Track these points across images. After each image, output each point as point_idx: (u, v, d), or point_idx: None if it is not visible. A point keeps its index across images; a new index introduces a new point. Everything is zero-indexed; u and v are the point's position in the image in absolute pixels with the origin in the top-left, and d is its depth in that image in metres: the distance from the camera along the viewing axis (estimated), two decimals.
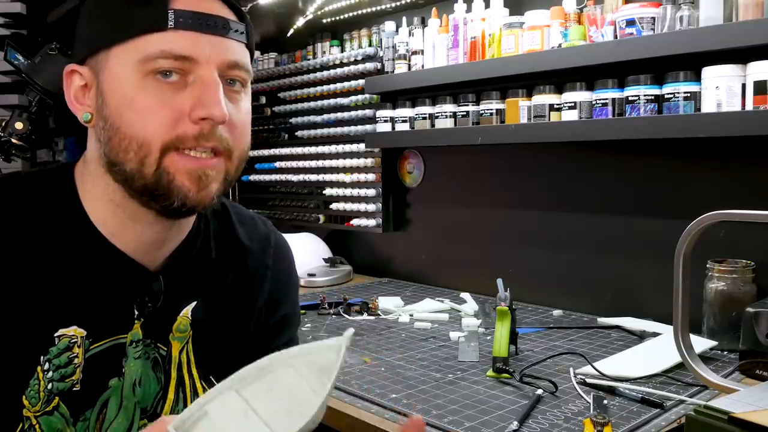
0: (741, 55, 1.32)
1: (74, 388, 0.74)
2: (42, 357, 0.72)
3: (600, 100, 1.54)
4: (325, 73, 2.37)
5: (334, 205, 2.42)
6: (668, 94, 1.43)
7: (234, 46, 0.74)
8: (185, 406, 0.84)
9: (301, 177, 2.54)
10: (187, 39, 0.70)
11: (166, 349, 0.82)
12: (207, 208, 0.76)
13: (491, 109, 1.79)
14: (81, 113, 0.75)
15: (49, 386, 0.73)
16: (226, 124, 0.73)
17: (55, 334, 0.73)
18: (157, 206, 0.74)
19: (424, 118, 1.99)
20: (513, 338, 1.32)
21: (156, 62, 0.70)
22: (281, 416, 0.57)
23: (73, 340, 0.74)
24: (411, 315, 1.73)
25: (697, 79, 1.39)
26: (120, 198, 0.75)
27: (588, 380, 1.20)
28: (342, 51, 2.36)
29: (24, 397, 0.72)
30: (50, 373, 0.73)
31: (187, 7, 0.71)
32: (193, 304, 0.84)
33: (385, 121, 2.11)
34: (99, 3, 0.74)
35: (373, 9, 2.21)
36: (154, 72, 0.70)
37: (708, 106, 1.36)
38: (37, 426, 0.72)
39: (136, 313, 0.79)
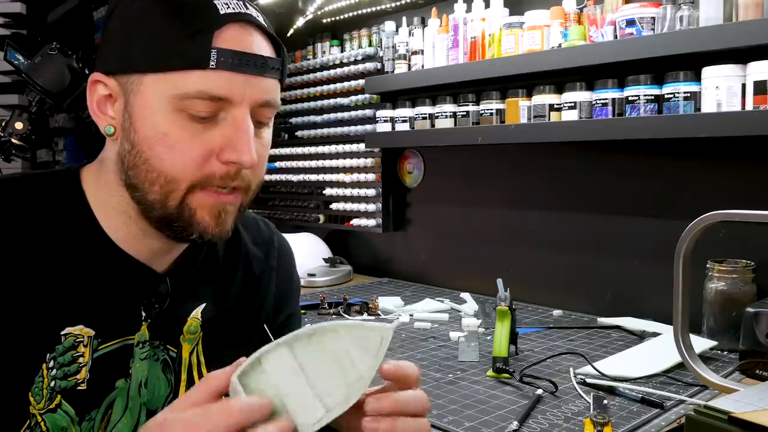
0: (741, 55, 1.32)
1: (79, 387, 0.75)
2: (48, 354, 0.73)
3: (600, 100, 1.54)
4: (325, 73, 2.37)
5: (334, 205, 2.42)
6: (668, 94, 1.43)
7: (269, 85, 0.73)
8: None
9: (301, 177, 2.54)
10: (225, 79, 0.69)
11: (176, 350, 0.83)
12: (223, 239, 0.77)
13: (491, 109, 1.79)
14: (104, 124, 0.74)
15: (52, 384, 0.73)
16: None
17: (62, 333, 0.73)
18: (171, 234, 0.75)
19: (424, 118, 1.99)
20: (513, 338, 1.32)
21: (192, 102, 0.69)
22: (324, 380, 0.61)
23: (79, 339, 0.74)
24: (411, 315, 1.73)
25: (697, 79, 1.39)
26: (134, 213, 0.76)
27: (588, 380, 1.20)
28: (342, 51, 2.36)
29: (30, 394, 0.72)
30: (54, 371, 0.73)
31: (230, 45, 0.69)
32: (203, 305, 0.85)
33: (385, 121, 2.11)
34: (139, 20, 0.71)
35: (373, 9, 2.21)
36: (186, 110, 0.69)
37: (708, 106, 1.36)
38: (42, 423, 0.73)
39: (143, 314, 0.79)
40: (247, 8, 0.73)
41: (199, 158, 0.70)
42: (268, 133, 0.77)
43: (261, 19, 0.74)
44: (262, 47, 0.73)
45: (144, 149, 0.71)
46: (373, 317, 1.73)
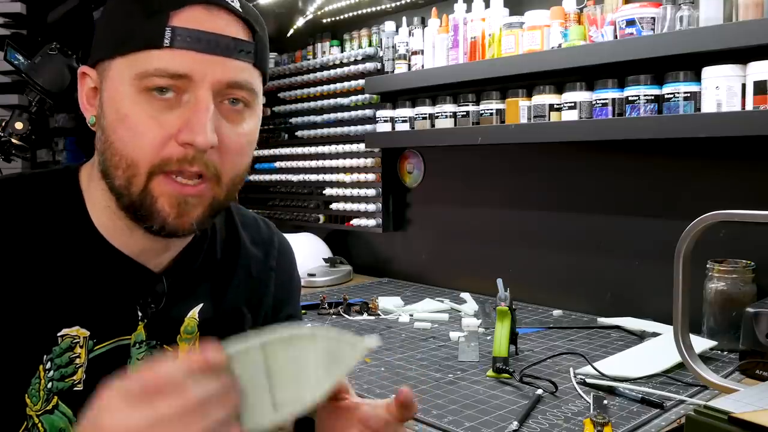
0: (741, 55, 1.32)
1: (75, 388, 0.75)
2: (45, 356, 0.73)
3: (600, 100, 1.54)
4: (325, 73, 2.37)
5: (334, 205, 2.42)
6: (668, 94, 1.43)
7: (236, 66, 0.72)
8: None
9: (301, 177, 2.54)
10: (183, 58, 0.68)
11: (173, 351, 0.82)
12: (189, 233, 0.75)
13: (491, 109, 1.79)
14: (89, 116, 0.75)
15: (49, 385, 0.73)
16: (217, 148, 0.71)
17: (59, 334, 0.73)
18: (142, 224, 0.73)
19: (424, 118, 1.99)
20: (513, 338, 1.32)
21: (151, 79, 0.68)
22: (285, 386, 0.59)
23: (75, 341, 0.74)
24: (411, 315, 1.73)
25: (697, 79, 1.39)
26: (114, 206, 0.75)
27: (588, 380, 1.20)
28: (342, 51, 2.36)
29: (26, 395, 0.72)
30: (51, 372, 0.73)
31: (188, 24, 0.69)
32: (200, 305, 0.84)
33: (385, 121, 2.11)
34: (109, 11, 0.74)
35: (373, 9, 2.21)
36: (149, 88, 0.69)
37: (708, 106, 1.36)
38: (39, 425, 0.73)
39: (140, 314, 0.79)
40: None
41: (157, 140, 0.69)
42: (247, 122, 0.75)
43: (236, 4, 0.73)
44: (230, 29, 0.71)
45: (110, 133, 0.71)
46: (373, 317, 1.73)
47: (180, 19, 0.69)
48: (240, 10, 0.73)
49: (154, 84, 0.69)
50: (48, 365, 0.73)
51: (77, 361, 0.74)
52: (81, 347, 0.75)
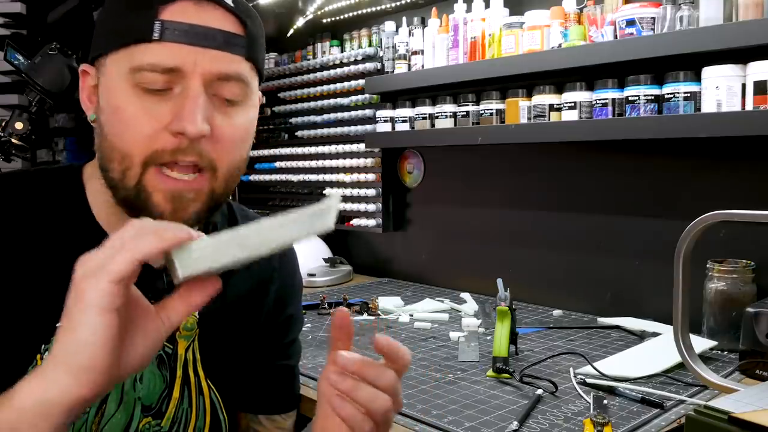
0: (741, 55, 1.32)
1: None
2: (43, 346, 0.73)
3: (600, 100, 1.54)
4: (325, 73, 2.37)
5: None
6: (668, 94, 1.43)
7: (226, 58, 0.72)
8: (190, 404, 0.84)
9: (301, 177, 2.54)
10: (173, 51, 0.69)
11: (171, 347, 0.83)
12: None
13: (491, 109, 1.79)
14: (89, 113, 0.77)
15: None
16: (210, 138, 0.72)
17: (57, 325, 0.73)
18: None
19: (424, 118, 1.99)
20: (513, 338, 1.32)
21: (143, 75, 0.69)
22: (249, 238, 0.61)
23: None
24: (411, 315, 1.73)
25: (697, 79, 1.39)
26: (112, 200, 0.76)
27: (588, 380, 1.20)
28: (342, 51, 2.36)
29: None
30: None
31: (177, 18, 0.70)
32: None
33: (385, 121, 2.11)
34: (106, 9, 0.75)
35: (373, 9, 2.21)
36: (142, 84, 0.70)
37: (708, 106, 1.36)
38: None
39: None
40: None
41: (150, 131, 0.70)
42: (240, 113, 0.76)
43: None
44: (221, 23, 0.72)
45: (105, 126, 0.73)
46: (373, 317, 1.73)
47: (169, 13, 0.70)
48: (231, 4, 0.73)
49: (146, 79, 0.70)
50: (45, 355, 0.73)
51: None
52: None
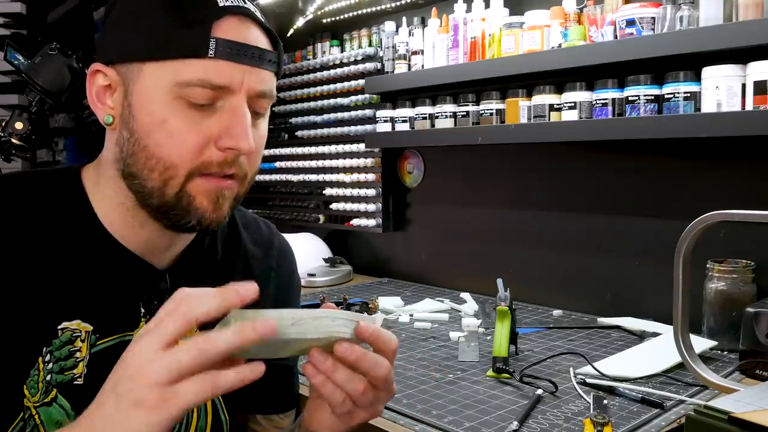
0: (741, 55, 1.32)
1: (75, 382, 0.75)
2: (45, 348, 0.73)
3: (600, 100, 1.54)
4: (325, 73, 2.37)
5: (334, 205, 2.42)
6: (668, 94, 1.43)
7: (266, 76, 0.75)
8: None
9: (301, 177, 2.54)
10: (225, 69, 0.71)
11: None
12: (219, 226, 0.78)
13: (491, 109, 1.79)
14: (102, 114, 0.76)
15: (48, 377, 0.73)
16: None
17: (59, 327, 0.74)
18: (168, 222, 0.76)
19: (424, 118, 1.99)
20: (513, 338, 1.32)
21: (192, 90, 0.70)
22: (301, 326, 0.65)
23: (75, 334, 0.75)
24: (411, 315, 1.73)
25: (697, 79, 1.39)
26: (131, 204, 0.76)
27: (588, 380, 1.20)
28: (342, 51, 2.36)
29: (25, 386, 0.72)
30: (50, 365, 0.74)
31: (229, 36, 0.71)
32: None
33: (385, 121, 2.11)
34: (137, 11, 0.73)
35: (373, 9, 2.21)
36: (188, 98, 0.71)
37: (708, 106, 1.36)
38: (36, 416, 0.73)
39: (143, 310, 0.80)
40: (245, 3, 0.75)
41: (197, 145, 0.72)
42: (264, 124, 0.79)
43: (258, 14, 0.76)
44: (260, 40, 0.75)
45: (143, 136, 0.72)
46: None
47: (221, 30, 0.71)
48: (264, 21, 0.76)
49: (194, 95, 0.70)
50: (47, 357, 0.73)
51: (78, 354, 0.75)
52: (82, 341, 0.75)
